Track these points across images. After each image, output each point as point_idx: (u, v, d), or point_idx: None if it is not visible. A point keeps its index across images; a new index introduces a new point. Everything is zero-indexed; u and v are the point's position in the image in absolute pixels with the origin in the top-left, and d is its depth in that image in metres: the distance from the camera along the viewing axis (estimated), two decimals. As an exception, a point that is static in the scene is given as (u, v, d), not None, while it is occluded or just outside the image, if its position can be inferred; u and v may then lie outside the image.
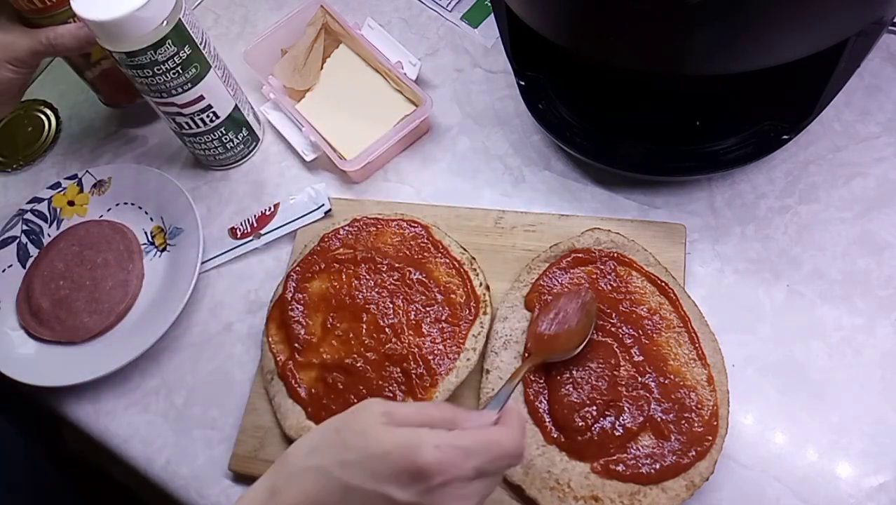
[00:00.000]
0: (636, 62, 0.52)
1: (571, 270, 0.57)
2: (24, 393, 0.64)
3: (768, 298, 0.57)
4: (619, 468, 0.49)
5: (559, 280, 0.57)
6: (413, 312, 0.58)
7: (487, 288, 0.59)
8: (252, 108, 0.74)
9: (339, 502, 0.38)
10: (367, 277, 0.60)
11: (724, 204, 0.62)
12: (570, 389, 0.52)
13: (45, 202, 0.73)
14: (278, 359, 0.59)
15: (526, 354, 0.54)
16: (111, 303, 0.66)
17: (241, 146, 0.73)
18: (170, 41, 0.59)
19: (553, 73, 0.65)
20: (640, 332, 0.54)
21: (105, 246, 0.69)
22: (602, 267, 0.57)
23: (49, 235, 0.72)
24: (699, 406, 0.50)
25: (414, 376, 0.55)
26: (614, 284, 0.56)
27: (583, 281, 0.57)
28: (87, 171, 0.74)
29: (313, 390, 0.57)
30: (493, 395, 0.46)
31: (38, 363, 0.64)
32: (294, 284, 0.61)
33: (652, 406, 0.51)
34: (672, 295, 0.55)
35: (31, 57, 0.63)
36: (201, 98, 0.65)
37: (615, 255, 0.57)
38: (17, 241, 0.71)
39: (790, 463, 0.51)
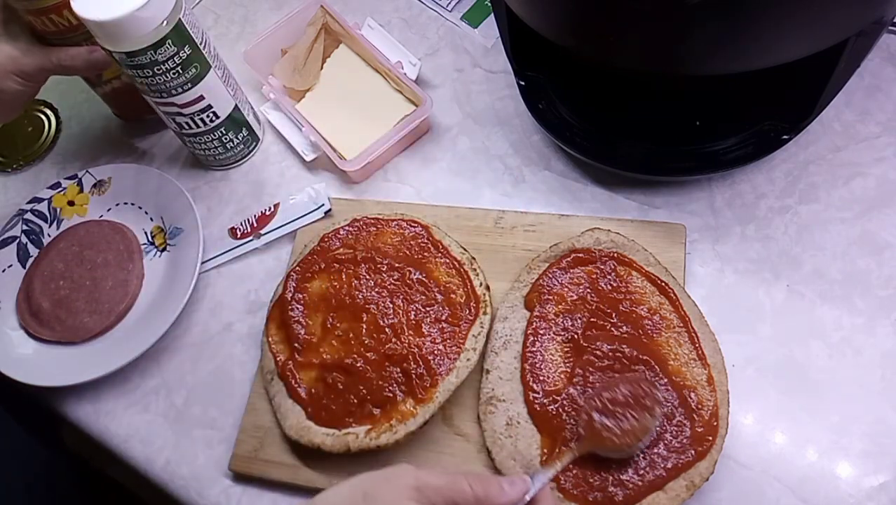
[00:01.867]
0: (636, 62, 0.52)
1: (571, 270, 0.57)
2: (24, 394, 0.64)
3: (768, 298, 0.57)
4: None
5: (559, 280, 0.57)
6: (413, 312, 0.58)
7: (487, 288, 0.59)
8: (252, 108, 0.74)
9: None
10: (367, 276, 0.60)
11: (724, 204, 0.62)
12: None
13: (45, 202, 0.73)
14: (278, 359, 0.59)
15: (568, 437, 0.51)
16: (111, 303, 0.66)
17: (241, 146, 0.73)
18: (170, 41, 0.59)
19: (553, 73, 0.65)
20: (640, 331, 0.54)
21: (105, 246, 0.69)
22: (602, 267, 0.57)
23: (49, 235, 0.72)
24: (699, 406, 0.50)
25: (414, 376, 0.55)
26: (614, 284, 0.56)
27: (583, 281, 0.56)
28: (87, 171, 0.74)
29: (313, 390, 0.57)
30: (533, 474, 0.44)
31: (38, 363, 0.64)
32: (294, 284, 0.61)
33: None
34: (672, 295, 0.55)
35: (38, 73, 0.63)
36: (201, 98, 0.65)
37: (615, 255, 0.57)
38: (17, 241, 0.71)
39: (790, 463, 0.51)
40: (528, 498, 0.41)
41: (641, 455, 0.49)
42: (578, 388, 0.52)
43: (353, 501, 0.39)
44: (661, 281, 0.55)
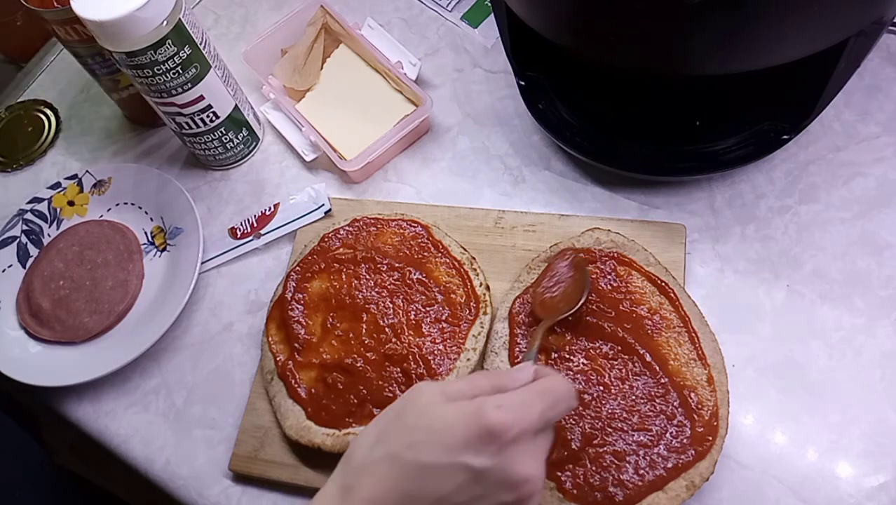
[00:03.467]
0: (636, 62, 0.52)
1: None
2: (14, 405, 0.64)
3: (768, 298, 0.57)
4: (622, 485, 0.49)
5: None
6: (413, 312, 0.58)
7: (487, 288, 0.59)
8: (252, 108, 0.74)
9: (416, 483, 0.38)
10: (367, 276, 0.60)
11: (724, 204, 0.62)
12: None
13: (45, 202, 0.73)
14: (278, 359, 0.59)
15: (530, 322, 0.56)
16: (111, 303, 0.66)
17: (241, 146, 0.73)
18: (170, 41, 0.59)
19: (553, 73, 0.65)
20: (641, 331, 0.54)
21: (105, 246, 0.69)
22: (602, 267, 0.57)
23: (49, 235, 0.72)
24: (699, 406, 0.50)
25: (414, 376, 0.55)
26: (614, 284, 0.56)
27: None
28: (87, 171, 0.74)
29: (313, 390, 0.57)
30: (519, 360, 0.47)
31: (38, 363, 0.64)
32: (294, 284, 0.61)
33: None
34: (672, 295, 0.55)
35: None
36: (201, 98, 0.65)
37: (615, 255, 0.57)
38: (17, 241, 0.71)
39: (790, 463, 0.51)
40: (532, 371, 0.43)
41: (642, 455, 0.49)
42: (579, 385, 0.52)
43: (387, 427, 0.40)
44: (661, 281, 0.55)
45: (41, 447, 0.75)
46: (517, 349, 0.55)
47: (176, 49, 0.60)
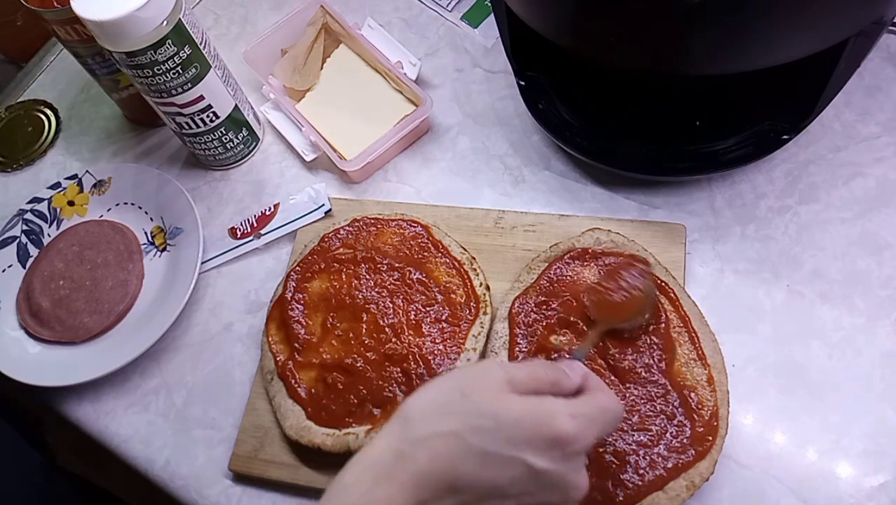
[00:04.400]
0: (636, 62, 0.51)
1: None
2: (15, 405, 0.64)
3: (768, 298, 0.57)
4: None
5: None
6: (413, 312, 0.58)
7: (487, 288, 0.59)
8: (252, 108, 0.74)
9: (475, 468, 0.38)
10: (367, 276, 0.60)
11: (724, 204, 0.62)
12: None
13: (45, 202, 0.73)
14: (278, 359, 0.59)
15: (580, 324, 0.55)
16: (111, 303, 0.66)
17: (241, 146, 0.73)
18: (170, 41, 0.59)
19: (553, 73, 0.65)
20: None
21: (105, 246, 0.69)
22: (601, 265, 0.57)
23: (49, 235, 0.72)
24: (699, 406, 0.50)
25: (414, 376, 0.55)
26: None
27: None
28: (87, 171, 0.74)
29: (313, 390, 0.57)
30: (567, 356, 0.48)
31: (38, 363, 0.64)
32: (294, 284, 0.61)
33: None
34: (672, 295, 0.55)
35: None
36: (201, 98, 0.65)
37: (615, 255, 0.57)
38: (17, 241, 0.71)
39: (790, 463, 0.51)
40: (581, 374, 0.43)
41: (642, 455, 0.49)
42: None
43: (454, 402, 0.40)
44: (661, 281, 0.55)
45: (42, 449, 0.75)
46: (517, 349, 0.55)
47: (176, 49, 0.60)
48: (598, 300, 0.54)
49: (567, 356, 0.53)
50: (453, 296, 0.58)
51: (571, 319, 0.55)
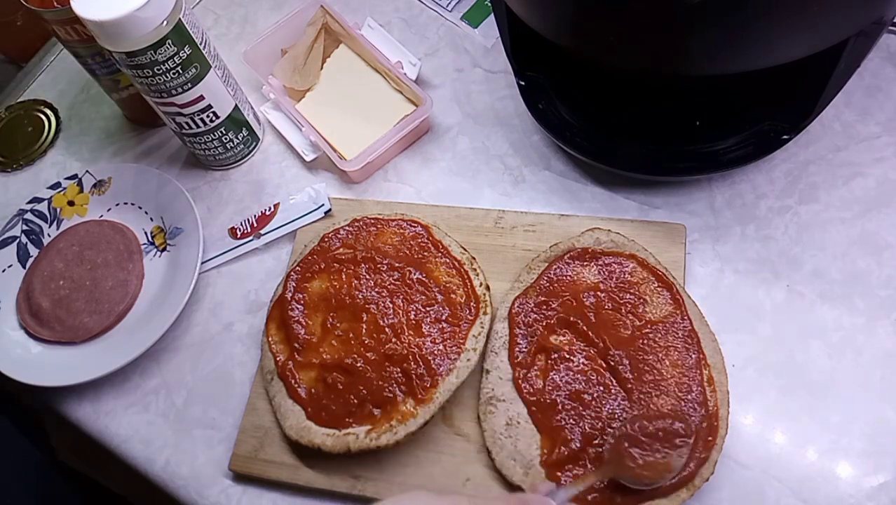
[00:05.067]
0: (636, 62, 0.51)
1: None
2: (18, 400, 0.64)
3: (768, 298, 0.57)
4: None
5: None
6: (413, 312, 0.58)
7: (487, 288, 0.59)
8: (252, 108, 0.74)
9: None
10: (367, 276, 0.60)
11: (724, 204, 0.62)
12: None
13: (45, 202, 0.73)
14: (278, 359, 0.59)
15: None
16: (111, 303, 0.66)
17: (241, 146, 0.73)
18: (170, 41, 0.59)
19: (553, 73, 0.65)
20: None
21: (105, 246, 0.69)
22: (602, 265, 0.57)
23: (49, 235, 0.72)
24: (699, 406, 0.50)
25: (414, 376, 0.54)
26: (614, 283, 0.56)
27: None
28: (87, 171, 0.74)
29: (313, 390, 0.57)
30: (555, 490, 0.44)
31: (38, 363, 0.64)
32: (294, 284, 0.61)
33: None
34: (678, 296, 0.55)
35: None
36: (201, 98, 0.65)
37: (615, 254, 0.57)
38: (17, 241, 0.71)
39: (790, 463, 0.51)
40: None
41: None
42: (579, 385, 0.52)
43: None
44: (667, 275, 0.55)
45: (44, 447, 0.75)
46: (517, 349, 0.55)
47: (176, 49, 0.60)
48: (621, 452, 0.47)
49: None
50: (453, 296, 0.58)
51: (571, 318, 0.55)
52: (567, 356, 0.54)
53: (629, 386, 0.52)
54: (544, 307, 0.56)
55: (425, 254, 0.61)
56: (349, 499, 0.55)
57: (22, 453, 0.69)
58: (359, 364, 0.56)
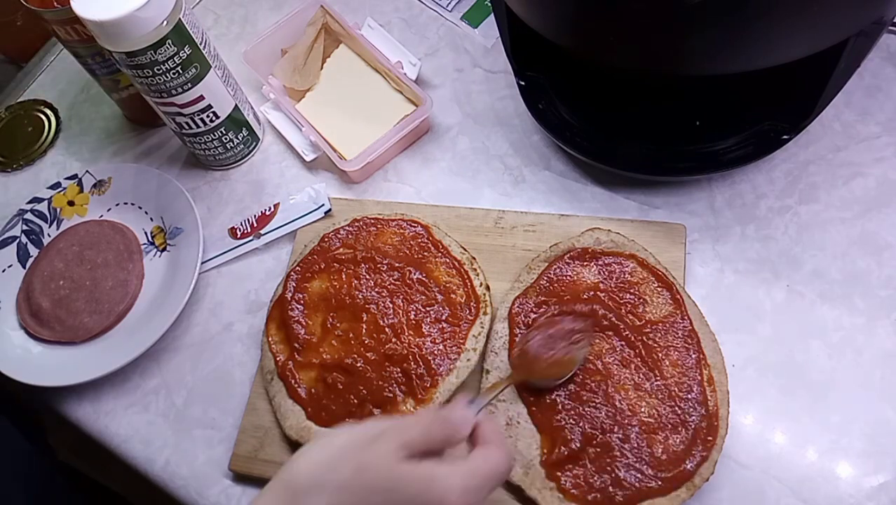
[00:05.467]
0: (636, 62, 0.52)
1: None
2: (18, 400, 0.64)
3: (768, 298, 0.57)
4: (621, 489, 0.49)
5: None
6: (413, 312, 0.58)
7: (487, 288, 0.59)
8: (252, 108, 0.74)
9: None
10: (367, 276, 0.60)
11: (724, 204, 0.62)
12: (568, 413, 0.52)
13: (45, 202, 0.73)
14: (278, 359, 0.59)
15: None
16: (111, 303, 0.66)
17: (241, 146, 0.73)
18: (170, 41, 0.59)
19: (553, 73, 0.65)
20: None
21: (105, 246, 0.69)
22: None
23: (49, 235, 0.72)
24: (699, 406, 0.50)
25: (414, 376, 0.54)
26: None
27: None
28: (87, 171, 0.74)
29: (313, 390, 0.57)
30: (473, 398, 0.45)
31: (38, 363, 0.64)
32: (294, 284, 0.61)
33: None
34: (678, 296, 0.55)
35: None
36: (201, 98, 0.65)
37: (615, 254, 0.57)
38: (17, 241, 0.71)
39: (790, 463, 0.51)
40: (473, 420, 0.43)
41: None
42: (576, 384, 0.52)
43: (344, 473, 0.40)
44: (668, 275, 0.55)
45: (44, 447, 0.75)
46: (516, 349, 0.55)
47: (176, 49, 0.60)
48: (523, 352, 0.52)
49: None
50: (453, 296, 0.58)
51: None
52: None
53: (629, 386, 0.52)
54: (544, 307, 0.56)
55: (425, 254, 0.61)
56: (349, 499, 0.55)
57: (22, 454, 0.69)
58: (359, 364, 0.56)
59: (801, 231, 0.59)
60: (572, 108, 0.64)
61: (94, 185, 0.73)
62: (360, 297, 0.59)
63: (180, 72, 0.62)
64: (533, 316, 0.56)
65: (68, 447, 0.75)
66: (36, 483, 0.69)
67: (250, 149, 0.74)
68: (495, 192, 0.67)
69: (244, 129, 0.72)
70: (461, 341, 0.56)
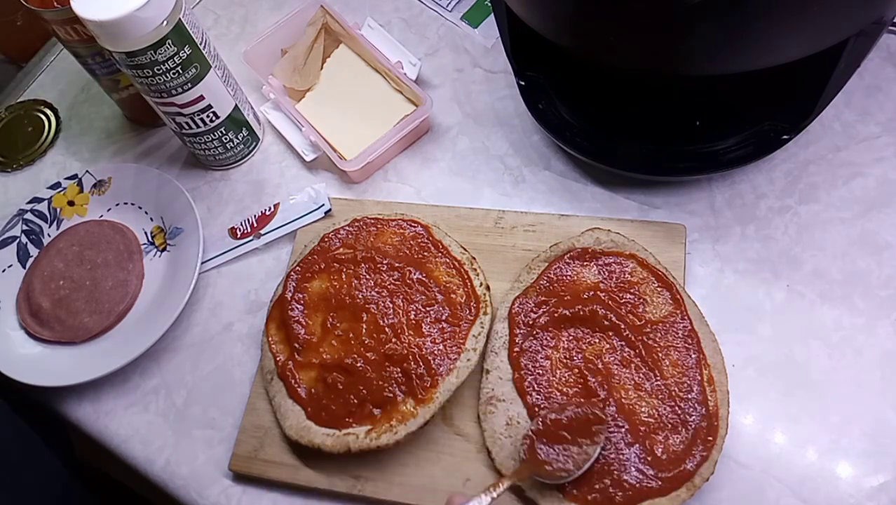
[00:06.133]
0: (636, 62, 0.51)
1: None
2: (35, 399, 0.64)
3: (768, 298, 0.57)
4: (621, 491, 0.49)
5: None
6: (413, 312, 0.58)
7: (487, 288, 0.59)
8: (252, 108, 0.74)
9: None
10: (367, 276, 0.60)
11: (724, 204, 0.62)
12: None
13: (45, 202, 0.73)
14: (278, 359, 0.59)
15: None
16: (111, 303, 0.66)
17: (241, 146, 0.73)
18: (170, 41, 0.59)
19: (553, 73, 0.65)
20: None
21: (105, 246, 0.69)
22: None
23: (49, 235, 0.72)
24: (700, 406, 0.50)
25: (414, 376, 0.54)
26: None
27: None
28: (87, 171, 0.74)
29: (313, 390, 0.57)
30: (469, 499, 0.44)
31: (38, 363, 0.64)
32: (294, 284, 0.61)
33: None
34: (679, 296, 0.55)
35: None
36: (201, 98, 0.65)
37: (615, 254, 0.57)
38: (17, 241, 0.71)
39: (790, 463, 0.51)
40: None
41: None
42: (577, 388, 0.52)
43: None
44: (668, 275, 0.55)
45: (69, 459, 0.74)
46: (516, 349, 0.55)
47: (176, 49, 0.60)
48: (536, 447, 0.49)
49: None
50: (453, 296, 0.58)
51: (571, 318, 0.55)
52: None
53: (629, 386, 0.52)
54: (544, 307, 0.56)
55: (425, 254, 0.61)
56: (349, 499, 0.55)
57: (45, 463, 0.68)
58: (359, 364, 0.56)
59: (801, 231, 0.59)
60: (572, 108, 0.64)
61: (94, 185, 0.73)
62: (360, 297, 0.59)
63: (180, 72, 0.62)
64: (533, 316, 0.56)
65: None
66: (60, 495, 0.68)
67: (250, 149, 0.74)
68: (495, 192, 0.67)
69: (244, 129, 0.72)
70: (461, 341, 0.56)
